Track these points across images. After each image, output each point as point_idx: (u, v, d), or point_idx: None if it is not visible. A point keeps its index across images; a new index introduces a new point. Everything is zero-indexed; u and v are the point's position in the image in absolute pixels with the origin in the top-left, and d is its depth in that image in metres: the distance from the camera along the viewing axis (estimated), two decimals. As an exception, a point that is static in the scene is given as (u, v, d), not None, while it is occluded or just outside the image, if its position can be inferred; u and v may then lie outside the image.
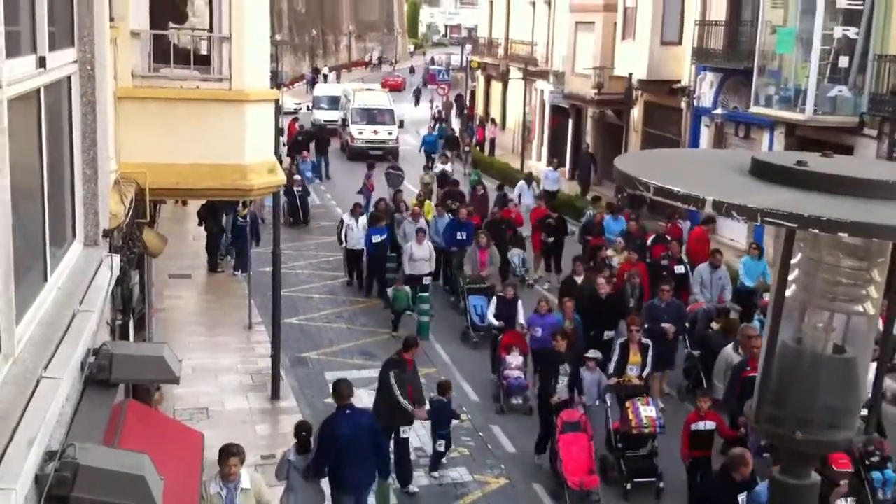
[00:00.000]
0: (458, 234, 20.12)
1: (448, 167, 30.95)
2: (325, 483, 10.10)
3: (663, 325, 14.29)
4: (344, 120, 41.30)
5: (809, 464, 2.65)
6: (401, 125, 41.87)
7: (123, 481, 4.10)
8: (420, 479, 12.19)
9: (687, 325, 14.98)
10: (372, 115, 40.00)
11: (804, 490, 2.65)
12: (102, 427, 5.22)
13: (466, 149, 36.96)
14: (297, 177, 26.83)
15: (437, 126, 45.19)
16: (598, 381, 12.82)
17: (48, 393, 4.10)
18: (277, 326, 14.62)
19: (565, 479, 11.43)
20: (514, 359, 14.43)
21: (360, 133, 39.23)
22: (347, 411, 10.04)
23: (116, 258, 6.57)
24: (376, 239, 19.68)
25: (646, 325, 13.99)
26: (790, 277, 2.53)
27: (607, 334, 14.80)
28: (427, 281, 18.59)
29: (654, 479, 11.88)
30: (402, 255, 19.11)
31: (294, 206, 26.22)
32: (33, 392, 4.09)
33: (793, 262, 2.51)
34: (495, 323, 15.42)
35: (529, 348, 14.52)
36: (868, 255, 2.47)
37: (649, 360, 13.23)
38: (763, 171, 2.52)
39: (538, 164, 37.88)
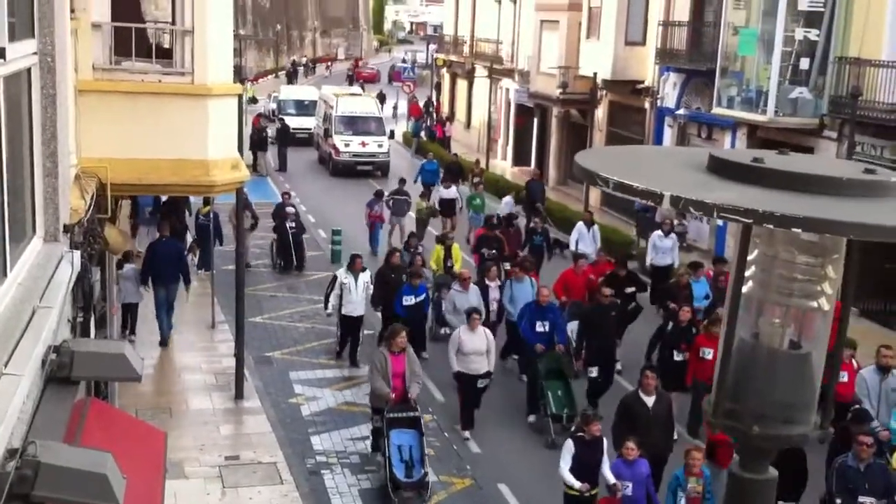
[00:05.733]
0: (539, 324, 13.78)
1: (453, 191, 25.59)
2: (142, 289, 15.83)
3: (864, 500, 9.40)
4: (326, 129, 36.35)
5: (766, 458, 2.68)
6: (391, 136, 37.34)
7: (85, 480, 4.06)
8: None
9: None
10: (358, 125, 35.32)
11: (761, 485, 2.68)
12: (63, 425, 5.16)
13: (476, 179, 27.21)
14: (290, 209, 21.88)
15: (413, 123, 44.03)
16: None
17: (8, 389, 4.05)
18: (241, 325, 14.55)
19: None
20: None
21: (346, 145, 34.67)
22: (164, 240, 16.54)
23: (77, 254, 6.50)
24: (409, 301, 15.06)
25: (838, 502, 9.52)
26: (747, 273, 2.58)
27: None
28: (484, 383, 13.18)
29: None
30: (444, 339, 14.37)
31: (286, 245, 21.18)
32: (-8, 389, 4.04)
33: (749, 258, 2.56)
34: (577, 485, 9.93)
35: None
36: (823, 252, 2.51)
37: None
38: (720, 168, 2.56)
39: (503, 163, 38.01)
